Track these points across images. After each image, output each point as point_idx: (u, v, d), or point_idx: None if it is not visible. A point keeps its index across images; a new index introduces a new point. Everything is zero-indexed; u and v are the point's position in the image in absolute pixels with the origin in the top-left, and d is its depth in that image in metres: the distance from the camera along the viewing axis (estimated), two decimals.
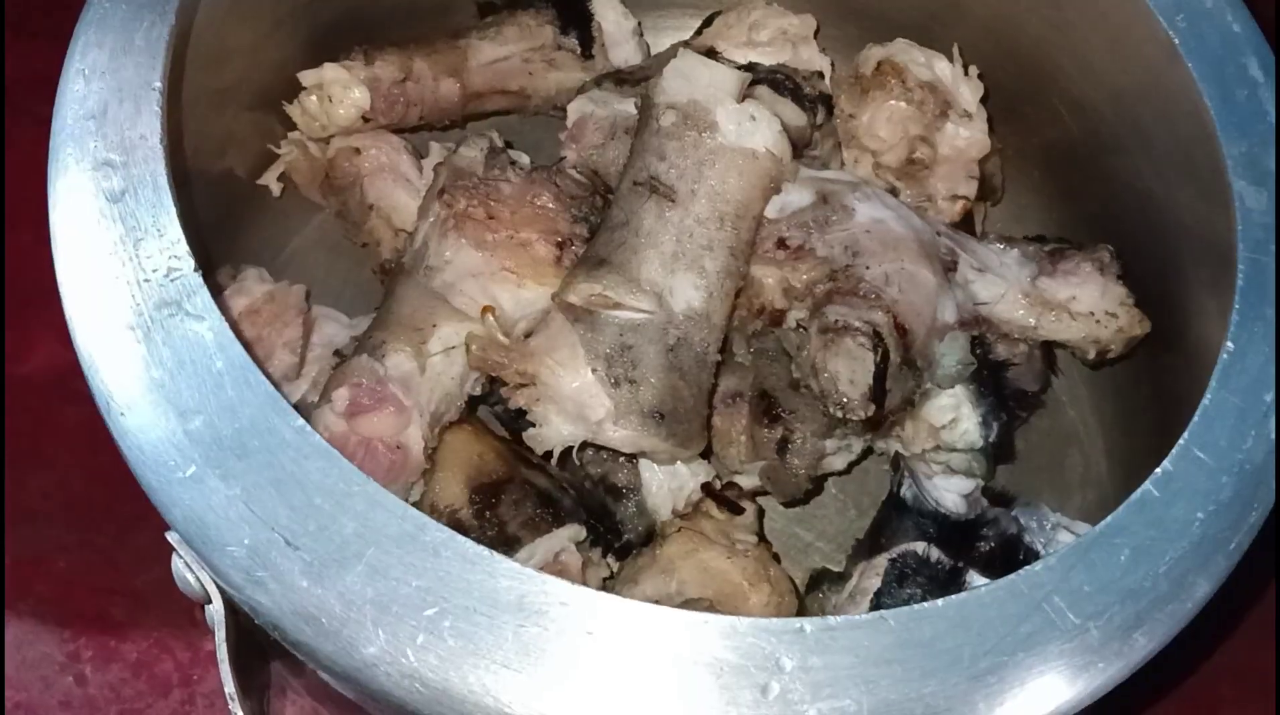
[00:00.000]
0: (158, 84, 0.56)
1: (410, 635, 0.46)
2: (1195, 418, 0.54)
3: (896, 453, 0.71)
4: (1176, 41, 0.64)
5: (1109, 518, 0.51)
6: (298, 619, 0.46)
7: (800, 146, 0.75)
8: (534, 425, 0.62)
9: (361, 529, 0.47)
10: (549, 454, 0.62)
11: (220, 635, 0.50)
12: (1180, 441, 0.53)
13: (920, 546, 0.67)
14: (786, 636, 0.46)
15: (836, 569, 0.74)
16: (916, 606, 0.48)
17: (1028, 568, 0.49)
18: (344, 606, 0.46)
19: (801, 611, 0.70)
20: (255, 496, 0.48)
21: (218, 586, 0.49)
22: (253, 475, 0.48)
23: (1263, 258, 0.58)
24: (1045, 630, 0.48)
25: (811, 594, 0.72)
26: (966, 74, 0.76)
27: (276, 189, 0.76)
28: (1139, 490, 0.52)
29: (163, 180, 0.53)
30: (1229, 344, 0.56)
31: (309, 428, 0.49)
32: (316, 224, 0.80)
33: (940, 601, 0.48)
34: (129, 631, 0.75)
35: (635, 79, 0.77)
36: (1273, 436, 0.54)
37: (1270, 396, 0.55)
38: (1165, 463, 0.53)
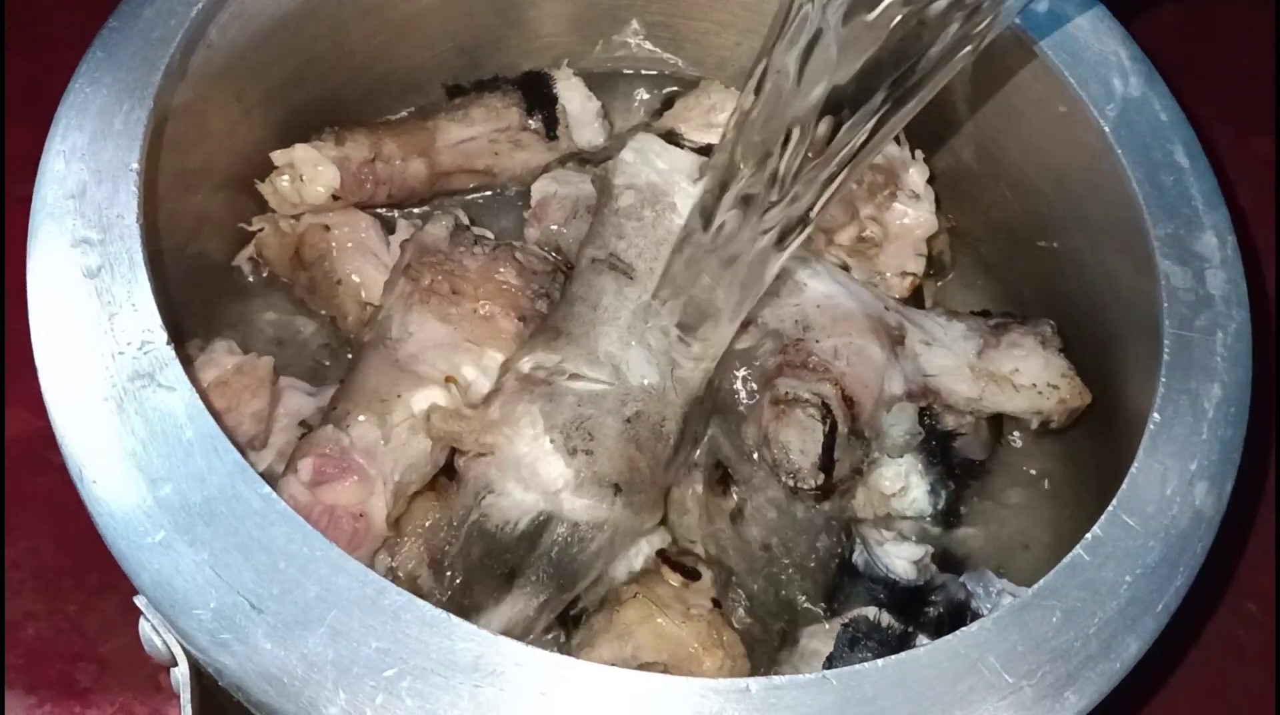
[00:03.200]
0: (135, 166, 0.58)
1: (369, 696, 0.47)
2: (1124, 486, 0.56)
3: (849, 520, 0.73)
4: (1107, 130, 0.68)
5: (1041, 581, 0.54)
6: (261, 680, 0.48)
7: None
8: (493, 494, 0.64)
9: (324, 593, 0.49)
10: None
11: (185, 697, 0.51)
12: (1109, 508, 0.56)
13: (871, 612, 0.69)
14: (733, 696, 0.48)
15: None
16: (858, 666, 0.50)
17: (965, 629, 0.52)
18: (306, 668, 0.48)
19: (754, 674, 0.71)
20: (221, 561, 0.50)
21: (184, 649, 0.51)
22: (219, 541, 0.50)
23: (1187, 333, 0.61)
24: (981, 689, 0.50)
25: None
26: (914, 157, 0.79)
27: (249, 270, 0.79)
28: (1070, 554, 0.54)
29: (138, 257, 0.56)
30: (1155, 415, 0.59)
31: (274, 495, 0.51)
32: (284, 298, 0.82)
33: (881, 661, 0.50)
34: (94, 698, 0.75)
35: (598, 159, 0.80)
36: (1196, 503, 0.56)
37: (1194, 465, 0.57)
38: (1095, 528, 0.55)
